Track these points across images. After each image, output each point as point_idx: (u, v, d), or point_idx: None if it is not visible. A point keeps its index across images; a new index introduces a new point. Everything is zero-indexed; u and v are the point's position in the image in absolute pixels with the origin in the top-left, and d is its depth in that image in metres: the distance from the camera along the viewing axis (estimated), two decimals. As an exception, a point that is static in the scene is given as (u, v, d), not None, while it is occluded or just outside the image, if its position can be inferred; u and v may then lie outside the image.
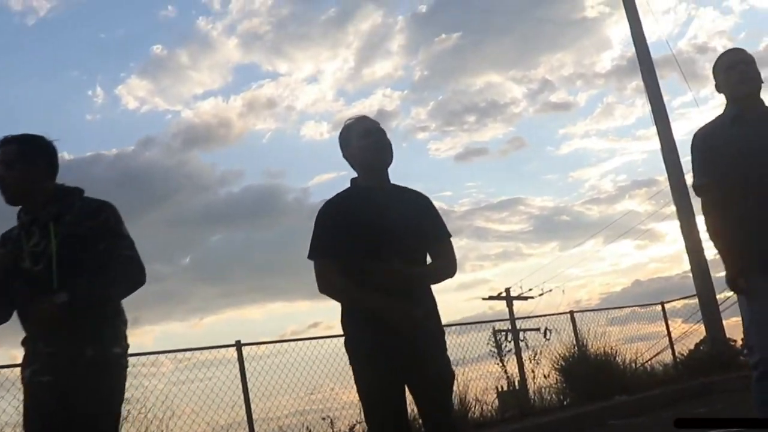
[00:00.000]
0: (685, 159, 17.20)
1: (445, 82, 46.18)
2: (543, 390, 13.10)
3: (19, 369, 4.13)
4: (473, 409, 11.63)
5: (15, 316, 4.16)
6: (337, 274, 4.12)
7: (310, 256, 4.20)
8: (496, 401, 12.47)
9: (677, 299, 17.42)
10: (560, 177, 50.69)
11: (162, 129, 44.35)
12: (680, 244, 16.60)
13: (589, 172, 48.66)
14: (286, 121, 45.56)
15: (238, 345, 10.36)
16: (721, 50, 5.55)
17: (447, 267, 4.35)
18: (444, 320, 4.32)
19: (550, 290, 22.20)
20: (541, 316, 14.82)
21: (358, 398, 4.11)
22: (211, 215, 41.22)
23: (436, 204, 4.51)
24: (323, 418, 10.76)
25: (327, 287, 4.15)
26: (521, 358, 13.49)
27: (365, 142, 4.31)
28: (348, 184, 4.41)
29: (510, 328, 14.02)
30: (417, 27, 42.44)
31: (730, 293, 5.65)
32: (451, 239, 4.44)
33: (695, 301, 16.84)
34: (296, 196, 43.89)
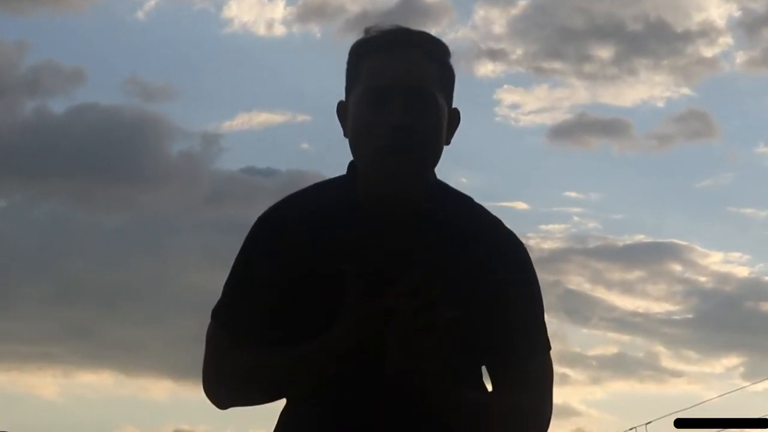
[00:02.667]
0: None
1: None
2: None
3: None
4: None
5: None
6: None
7: (213, 314, 1.96)
8: None
9: None
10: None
11: None
12: None
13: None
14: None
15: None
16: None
17: (529, 410, 1.90)
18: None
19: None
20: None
21: None
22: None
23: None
24: None
25: (214, 374, 1.92)
26: None
27: (377, 138, 1.85)
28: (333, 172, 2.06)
29: None
30: None
31: None
32: (549, 353, 1.99)
33: None
34: (189, 147, 19.56)
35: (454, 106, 1.93)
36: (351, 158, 1.92)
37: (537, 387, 1.88)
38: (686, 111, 16.90)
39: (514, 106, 17.43)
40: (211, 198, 15.90)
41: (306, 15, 15.94)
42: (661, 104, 16.96)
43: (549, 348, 1.92)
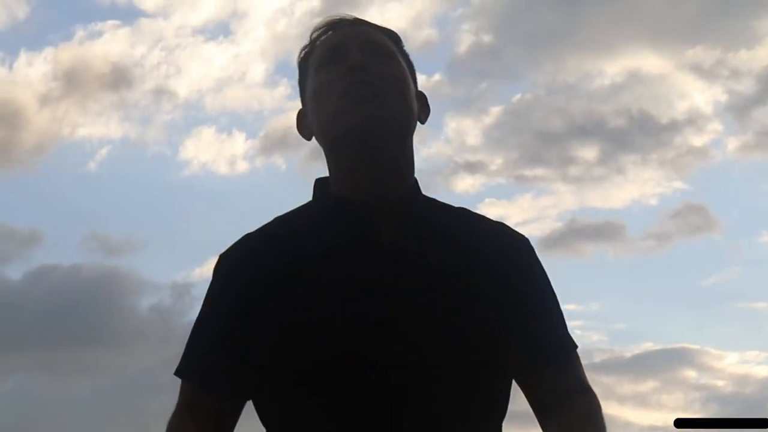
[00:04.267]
0: None
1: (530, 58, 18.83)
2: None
3: None
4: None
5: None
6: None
7: (177, 371, 1.76)
8: None
9: None
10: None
11: None
12: None
13: None
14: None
15: None
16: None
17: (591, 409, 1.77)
18: None
19: None
20: None
21: None
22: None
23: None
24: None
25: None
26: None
27: (336, 88, 1.71)
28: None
29: None
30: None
31: None
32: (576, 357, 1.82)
33: None
34: (159, 301, 16.28)
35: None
36: None
37: (584, 405, 1.74)
38: (682, 206, 16.17)
39: (500, 218, 16.56)
40: (189, 352, 15.07)
41: (268, 147, 15.26)
42: (654, 201, 16.25)
43: (576, 346, 1.77)
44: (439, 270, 1.66)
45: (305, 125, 1.79)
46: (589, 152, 16.88)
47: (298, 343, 1.59)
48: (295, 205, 1.81)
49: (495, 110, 15.33)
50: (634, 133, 14.93)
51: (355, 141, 1.66)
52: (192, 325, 1.75)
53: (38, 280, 14.82)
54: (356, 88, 1.66)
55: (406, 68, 1.77)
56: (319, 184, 1.77)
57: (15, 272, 19.53)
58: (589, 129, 15.14)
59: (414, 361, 1.58)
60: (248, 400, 1.71)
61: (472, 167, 15.93)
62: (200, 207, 16.59)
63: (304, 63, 1.81)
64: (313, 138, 1.79)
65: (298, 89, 1.85)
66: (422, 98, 1.81)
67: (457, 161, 14.99)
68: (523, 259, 1.77)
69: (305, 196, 1.82)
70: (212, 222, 16.41)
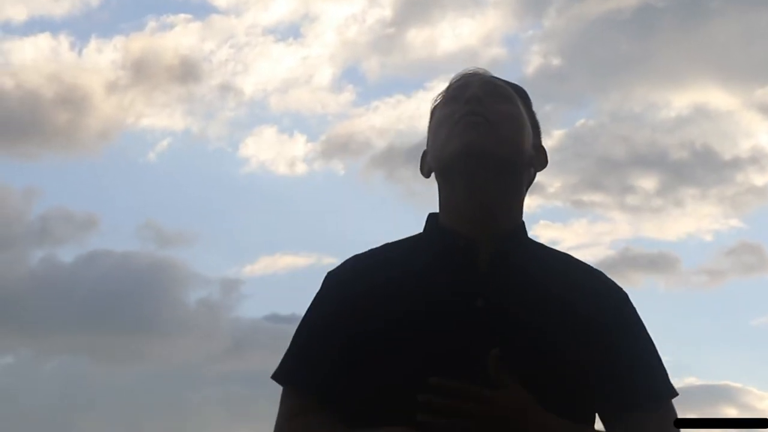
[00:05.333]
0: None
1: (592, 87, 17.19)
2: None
3: None
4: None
5: None
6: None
7: (275, 375, 1.83)
8: None
9: None
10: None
11: None
12: None
13: None
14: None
15: None
16: None
17: None
18: None
19: None
20: None
21: None
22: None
23: None
24: None
25: None
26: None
27: (454, 111, 1.81)
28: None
29: None
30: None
31: None
32: (670, 408, 1.82)
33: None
34: (207, 295, 17.02)
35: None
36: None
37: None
38: (737, 244, 15.99)
39: (553, 243, 16.31)
40: (233, 348, 15.03)
41: (329, 151, 15.27)
42: (709, 237, 16.07)
43: (674, 393, 1.79)
44: (530, 305, 1.72)
45: (426, 163, 1.87)
46: (648, 182, 16.75)
47: (384, 363, 1.68)
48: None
49: (558, 133, 15.26)
50: (696, 167, 14.80)
51: (461, 164, 1.74)
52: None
53: (90, 264, 14.93)
54: (468, 118, 1.75)
55: (523, 112, 1.84)
56: (430, 217, 1.84)
57: (68, 255, 19.73)
58: (651, 159, 15.03)
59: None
60: (343, 413, 1.74)
61: (530, 188, 15.96)
62: (256, 205, 16.69)
63: (434, 107, 1.90)
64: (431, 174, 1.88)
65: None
66: (541, 149, 1.88)
67: (516, 182, 15.06)
68: (617, 309, 1.80)
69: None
70: (266, 221, 16.52)
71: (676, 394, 1.79)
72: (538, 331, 1.69)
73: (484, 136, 1.73)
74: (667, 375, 1.80)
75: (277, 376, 1.81)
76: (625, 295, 1.83)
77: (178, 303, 15.26)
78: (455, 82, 1.88)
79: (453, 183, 1.77)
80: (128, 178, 16.08)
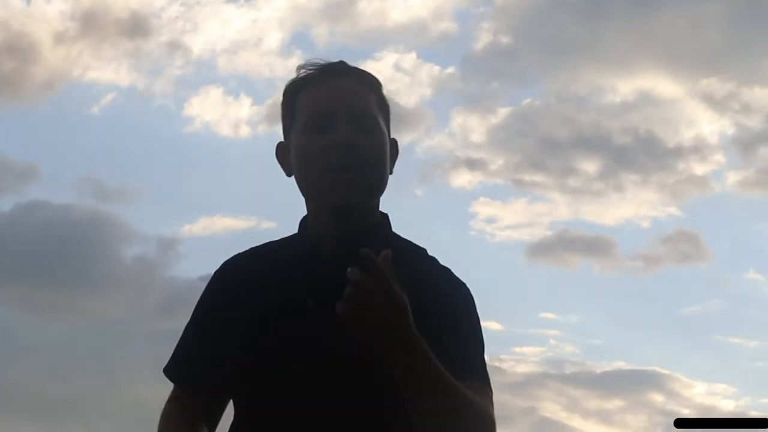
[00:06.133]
0: None
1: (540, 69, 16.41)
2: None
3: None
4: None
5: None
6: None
7: (165, 370, 2.08)
8: None
9: None
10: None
11: None
12: None
13: None
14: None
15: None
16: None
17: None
18: None
19: None
20: None
21: None
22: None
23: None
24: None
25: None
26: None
27: (325, 159, 1.89)
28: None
29: None
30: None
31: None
32: (490, 390, 1.91)
33: None
34: (144, 252, 16.21)
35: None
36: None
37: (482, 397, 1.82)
38: (675, 232, 16.15)
39: (491, 220, 16.36)
40: (166, 306, 14.96)
41: (274, 116, 15.13)
42: (647, 224, 16.22)
43: (487, 380, 1.88)
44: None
45: (286, 162, 1.98)
46: (590, 165, 16.85)
47: (241, 348, 1.93)
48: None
49: (503, 111, 15.30)
50: (638, 152, 14.92)
51: (333, 213, 1.90)
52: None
53: (28, 214, 14.79)
54: (341, 175, 1.86)
55: (385, 132, 1.94)
56: (302, 222, 2.00)
57: (5, 204, 19.53)
58: (594, 143, 15.13)
59: (317, 377, 1.85)
60: (226, 397, 2.02)
61: (472, 164, 15.85)
62: (198, 166, 16.58)
63: (291, 99, 1.96)
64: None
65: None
66: (394, 146, 1.98)
67: (458, 156, 14.94)
68: (454, 298, 1.92)
69: None
70: (208, 182, 16.44)
71: (488, 381, 1.87)
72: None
73: (357, 195, 1.88)
74: (484, 363, 1.91)
75: (168, 370, 2.07)
76: (466, 290, 1.96)
77: (114, 258, 15.16)
78: (316, 93, 1.92)
79: (321, 213, 1.94)
80: (71, 131, 15.90)
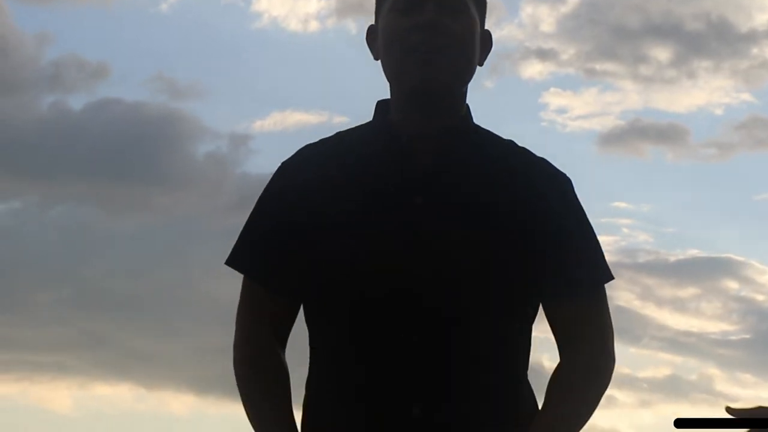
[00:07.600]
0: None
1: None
2: None
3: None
4: None
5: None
6: (263, 331, 1.88)
7: (229, 261, 1.92)
8: None
9: None
10: None
11: None
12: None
13: None
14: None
15: None
16: None
17: (586, 376, 1.79)
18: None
19: None
20: None
21: None
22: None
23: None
24: None
25: (236, 356, 1.89)
26: None
27: (408, 38, 1.82)
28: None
29: None
30: None
31: None
32: (604, 292, 1.87)
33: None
34: (216, 148, 15.91)
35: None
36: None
37: (592, 335, 1.79)
38: (748, 118, 15.79)
39: (562, 110, 16.14)
40: (239, 203, 15.09)
41: (343, 10, 15.01)
42: (720, 111, 15.87)
43: (610, 277, 1.84)
44: (470, 198, 1.80)
45: (374, 45, 1.92)
46: (662, 53, 16.43)
47: (332, 250, 1.78)
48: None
49: (573, 0, 14.95)
50: (711, 38, 14.49)
51: (415, 96, 1.83)
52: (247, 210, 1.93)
53: (99, 112, 14.91)
54: (423, 55, 1.80)
55: (476, 18, 1.88)
56: (380, 106, 1.92)
57: (77, 102, 19.68)
58: (666, 30, 14.70)
59: (436, 282, 1.74)
60: (298, 301, 1.87)
61: (542, 54, 15.60)
62: (267, 61, 16.50)
63: (382, 5, 1.93)
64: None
65: None
66: (486, 38, 1.94)
67: (528, 47, 14.67)
68: (559, 194, 1.86)
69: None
70: (277, 77, 16.33)
71: (612, 278, 1.85)
72: (475, 227, 1.77)
73: (439, 72, 1.80)
74: (604, 260, 1.87)
75: (230, 262, 1.90)
76: (568, 181, 1.90)
77: (186, 156, 15.29)
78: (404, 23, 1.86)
79: (405, 95, 1.86)
80: (140, 29, 15.89)
